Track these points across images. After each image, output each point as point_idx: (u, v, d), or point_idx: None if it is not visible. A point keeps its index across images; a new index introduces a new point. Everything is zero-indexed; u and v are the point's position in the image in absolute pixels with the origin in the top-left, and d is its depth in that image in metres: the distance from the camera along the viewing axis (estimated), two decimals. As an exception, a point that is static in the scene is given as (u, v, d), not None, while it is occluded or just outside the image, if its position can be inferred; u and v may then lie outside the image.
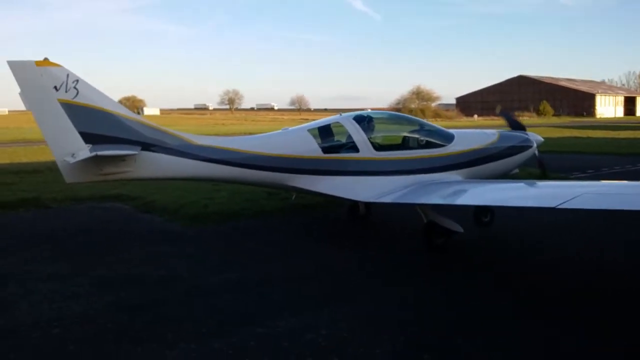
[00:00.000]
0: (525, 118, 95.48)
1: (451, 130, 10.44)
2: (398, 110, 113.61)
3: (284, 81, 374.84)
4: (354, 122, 9.54)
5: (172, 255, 8.90)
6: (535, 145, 11.00)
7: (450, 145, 9.95)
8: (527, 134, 11.19)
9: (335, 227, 11.18)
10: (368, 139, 9.42)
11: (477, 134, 10.90)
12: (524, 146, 10.81)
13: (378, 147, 9.50)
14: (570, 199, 6.73)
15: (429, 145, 9.91)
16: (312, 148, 9.22)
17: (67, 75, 8.23)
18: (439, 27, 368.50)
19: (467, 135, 10.49)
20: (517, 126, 11.75)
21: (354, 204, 10.84)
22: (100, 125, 8.42)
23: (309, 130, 9.49)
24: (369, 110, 11.10)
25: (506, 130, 11.42)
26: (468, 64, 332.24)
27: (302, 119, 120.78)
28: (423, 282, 7.61)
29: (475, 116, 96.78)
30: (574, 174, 18.54)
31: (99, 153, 7.92)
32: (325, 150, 9.32)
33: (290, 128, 10.22)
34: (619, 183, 8.84)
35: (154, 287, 7.33)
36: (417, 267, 8.26)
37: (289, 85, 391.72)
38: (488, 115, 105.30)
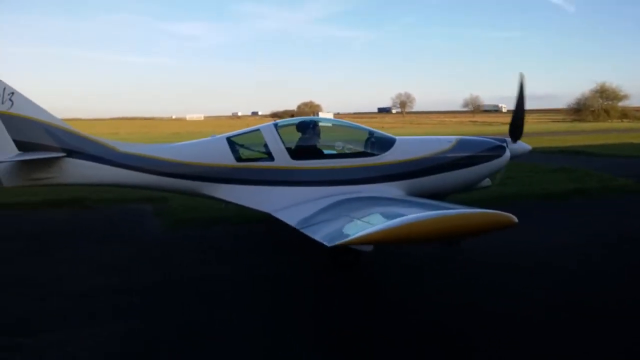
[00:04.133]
0: None
1: (397, 138, 9.28)
2: (578, 110, 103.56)
3: (463, 82, 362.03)
4: (273, 129, 9.06)
5: (96, 257, 9.38)
6: (507, 154, 9.28)
7: (385, 154, 8.91)
8: (501, 141, 9.46)
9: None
10: (286, 147, 8.86)
11: (425, 141, 9.52)
12: (489, 155, 9.18)
13: (297, 156, 8.87)
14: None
15: (357, 154, 9.01)
16: (225, 156, 8.96)
17: (4, 89, 9.07)
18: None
19: (410, 144, 9.25)
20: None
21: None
22: (31, 134, 9.13)
23: (228, 139, 9.21)
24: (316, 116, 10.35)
25: (469, 137, 9.80)
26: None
27: (471, 120, 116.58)
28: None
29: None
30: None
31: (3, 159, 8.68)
32: (239, 158, 8.98)
33: (217, 136, 9.98)
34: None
35: (20, 288, 7.81)
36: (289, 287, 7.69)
37: (467, 85, 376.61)
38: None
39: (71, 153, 9.13)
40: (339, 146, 9.50)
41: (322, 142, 9.31)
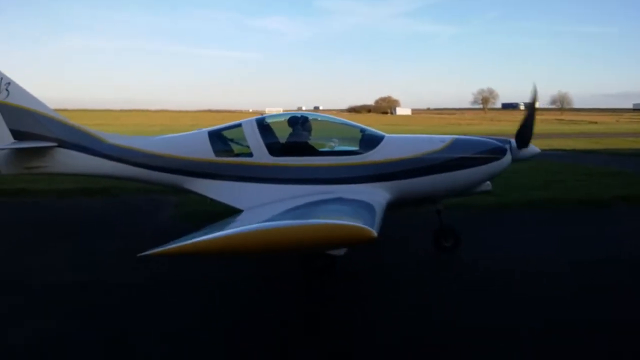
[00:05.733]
0: None
1: (386, 136, 8.60)
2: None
3: (548, 78, 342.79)
4: (254, 124, 8.67)
5: (84, 250, 9.31)
6: (508, 157, 8.32)
7: (369, 153, 8.28)
8: (504, 142, 8.51)
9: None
10: (265, 143, 8.47)
11: (415, 140, 8.75)
12: (486, 157, 8.28)
13: (276, 153, 8.46)
14: None
15: (340, 152, 8.48)
16: (204, 150, 8.70)
17: (1, 79, 9.31)
18: None
19: (398, 142, 8.51)
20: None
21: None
22: (26, 124, 9.33)
23: (210, 132, 8.94)
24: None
25: (466, 137, 8.90)
26: None
27: (557, 119, 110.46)
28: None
29: None
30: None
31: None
32: (218, 153, 8.70)
33: (203, 129, 9.69)
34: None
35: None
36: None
37: (553, 82, 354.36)
38: None
39: (62, 143, 9.24)
40: (333, 144, 9.03)
41: (306, 139, 8.81)
